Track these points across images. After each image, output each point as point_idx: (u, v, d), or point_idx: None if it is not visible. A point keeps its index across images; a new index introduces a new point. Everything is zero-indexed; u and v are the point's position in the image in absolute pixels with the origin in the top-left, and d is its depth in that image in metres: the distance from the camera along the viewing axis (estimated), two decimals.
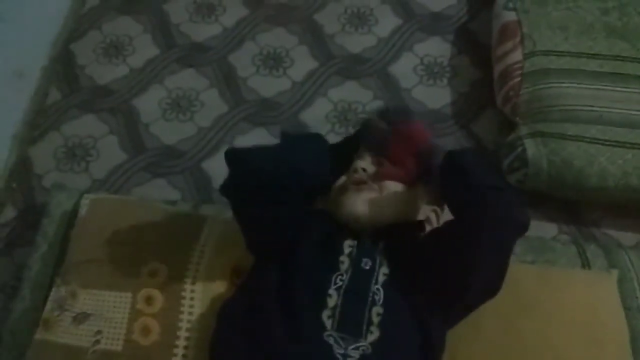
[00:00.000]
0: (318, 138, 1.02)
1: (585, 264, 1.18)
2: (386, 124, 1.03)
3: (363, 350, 0.84)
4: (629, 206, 1.38)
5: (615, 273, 1.12)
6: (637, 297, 1.12)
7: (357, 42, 1.69)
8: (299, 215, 0.95)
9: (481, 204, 0.86)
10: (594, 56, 1.43)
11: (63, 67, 1.65)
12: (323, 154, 0.98)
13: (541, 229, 1.36)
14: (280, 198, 0.90)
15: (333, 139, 1.10)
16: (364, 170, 0.99)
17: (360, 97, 1.60)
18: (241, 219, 0.97)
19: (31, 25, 1.58)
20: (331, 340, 0.84)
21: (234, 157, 0.94)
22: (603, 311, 1.05)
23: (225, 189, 0.94)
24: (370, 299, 0.89)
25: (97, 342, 0.97)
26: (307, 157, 0.94)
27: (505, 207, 0.87)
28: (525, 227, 0.89)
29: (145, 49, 1.67)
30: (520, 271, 1.07)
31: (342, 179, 1.02)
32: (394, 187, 0.98)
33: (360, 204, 0.97)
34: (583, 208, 1.41)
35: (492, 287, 0.91)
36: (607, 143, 1.31)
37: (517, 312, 1.03)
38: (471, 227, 0.86)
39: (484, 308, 0.95)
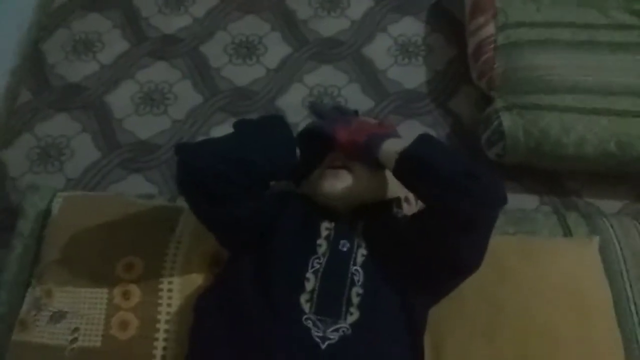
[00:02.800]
0: (275, 124, 0.95)
1: (567, 233, 1.17)
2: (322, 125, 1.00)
3: (343, 331, 0.83)
4: (608, 173, 1.38)
5: (596, 239, 1.12)
6: (619, 263, 1.12)
7: (330, 26, 1.67)
8: (262, 208, 0.92)
9: (456, 198, 0.81)
10: (566, 25, 1.42)
11: (32, 66, 1.62)
12: (279, 141, 0.92)
13: (522, 201, 1.36)
14: (233, 195, 0.86)
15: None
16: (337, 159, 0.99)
17: (336, 81, 1.58)
18: (201, 221, 0.94)
19: None
20: (309, 324, 0.83)
21: (181, 153, 0.89)
22: (585, 278, 1.05)
23: (178, 189, 0.90)
24: (349, 280, 0.88)
25: (75, 339, 0.95)
26: (261, 147, 0.89)
27: (482, 193, 0.83)
28: (504, 200, 0.86)
29: (115, 44, 1.64)
30: (501, 243, 1.07)
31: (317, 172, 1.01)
32: (364, 167, 0.97)
33: (338, 183, 0.96)
34: (563, 178, 1.40)
35: (474, 264, 0.90)
36: (583, 111, 1.30)
37: (499, 284, 1.03)
38: (452, 220, 0.83)
39: (465, 283, 0.94)
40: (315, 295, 0.86)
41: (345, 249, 0.91)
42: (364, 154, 0.94)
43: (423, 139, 0.90)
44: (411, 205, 1.04)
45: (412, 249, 0.90)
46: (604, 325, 1.01)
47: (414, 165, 0.87)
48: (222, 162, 0.85)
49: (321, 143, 1.00)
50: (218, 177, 0.84)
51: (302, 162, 0.97)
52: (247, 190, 0.87)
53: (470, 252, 0.89)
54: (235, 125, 0.94)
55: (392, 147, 0.91)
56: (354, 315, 0.85)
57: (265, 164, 0.87)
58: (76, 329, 0.96)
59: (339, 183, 0.96)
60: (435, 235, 0.86)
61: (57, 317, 0.98)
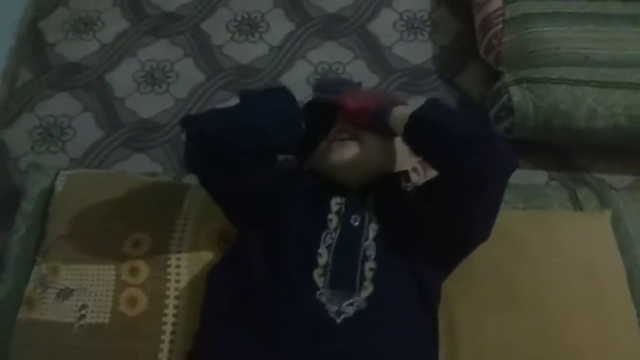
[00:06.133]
0: (280, 94, 0.93)
1: (578, 208, 1.16)
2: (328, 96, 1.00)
3: (358, 305, 0.82)
4: (618, 148, 1.36)
5: (608, 212, 1.10)
6: (630, 236, 1.10)
7: (334, 1, 1.64)
8: (274, 180, 0.91)
9: (466, 159, 0.80)
10: None
11: (32, 46, 1.59)
12: (286, 110, 0.90)
13: (531, 177, 1.35)
14: (245, 164, 0.85)
15: None
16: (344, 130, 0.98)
17: (341, 58, 1.56)
18: (212, 194, 0.92)
19: None
20: (323, 299, 0.82)
21: (189, 124, 0.87)
22: (598, 250, 1.04)
23: (188, 163, 0.88)
24: (361, 254, 0.87)
25: (83, 316, 0.94)
26: (267, 116, 0.86)
27: (492, 155, 0.82)
28: (514, 166, 0.85)
29: (115, 23, 1.62)
30: (512, 217, 1.06)
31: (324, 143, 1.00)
32: (372, 137, 0.96)
33: (346, 152, 0.95)
34: (573, 154, 1.39)
35: (483, 231, 0.89)
36: (594, 84, 1.28)
37: (510, 258, 1.02)
38: (462, 183, 0.82)
39: (477, 258, 0.94)
40: (328, 270, 0.85)
41: (356, 224, 0.90)
42: (373, 120, 0.93)
43: (433, 101, 0.90)
44: (420, 176, 1.03)
45: (421, 219, 0.89)
46: (618, 297, 1.00)
47: (424, 127, 0.86)
48: (231, 131, 0.83)
49: (328, 113, 0.98)
50: (228, 145, 0.83)
51: (308, 134, 0.96)
52: (257, 159, 0.86)
53: (479, 218, 0.87)
54: (240, 95, 0.93)
55: (402, 111, 0.90)
56: (368, 289, 0.84)
57: (274, 132, 0.86)
58: (84, 306, 0.95)
59: (346, 152, 0.95)
60: (445, 201, 0.85)
61: (64, 294, 0.96)
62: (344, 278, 0.85)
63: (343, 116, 0.97)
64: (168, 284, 0.96)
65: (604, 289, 1.00)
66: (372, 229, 0.90)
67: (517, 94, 1.30)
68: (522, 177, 1.28)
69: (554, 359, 0.94)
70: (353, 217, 0.91)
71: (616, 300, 0.99)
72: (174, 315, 0.94)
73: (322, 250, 0.86)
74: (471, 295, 0.99)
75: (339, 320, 0.80)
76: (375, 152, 0.96)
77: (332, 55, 1.56)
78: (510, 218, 1.03)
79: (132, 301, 0.94)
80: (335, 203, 0.92)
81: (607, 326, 0.96)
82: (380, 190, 0.96)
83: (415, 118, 0.87)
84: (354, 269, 0.86)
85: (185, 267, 0.98)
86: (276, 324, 0.81)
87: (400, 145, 1.00)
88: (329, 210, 0.91)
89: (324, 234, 0.88)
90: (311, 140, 1.00)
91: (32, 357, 0.95)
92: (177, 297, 0.95)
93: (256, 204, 0.91)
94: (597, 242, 1.06)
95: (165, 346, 0.92)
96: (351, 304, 0.82)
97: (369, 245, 0.88)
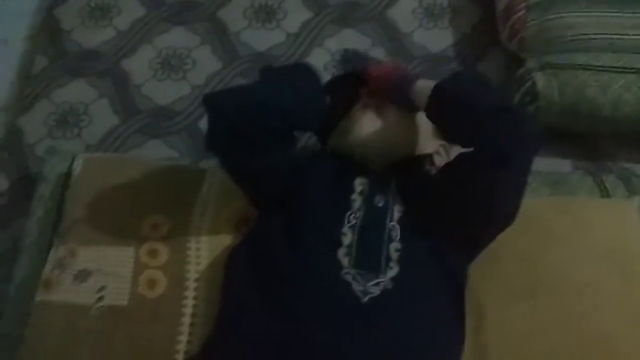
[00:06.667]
0: (302, 70, 0.93)
1: (605, 195, 1.13)
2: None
3: (384, 285, 0.81)
4: None
5: (636, 200, 1.08)
6: None
7: None
8: (296, 159, 0.90)
9: (490, 128, 0.80)
10: None
11: (48, 33, 1.58)
12: (308, 86, 0.90)
13: (555, 165, 1.32)
14: (267, 141, 0.84)
15: None
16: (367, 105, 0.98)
17: (359, 45, 1.53)
18: (234, 175, 0.92)
19: None
20: (349, 278, 0.81)
21: (211, 101, 0.87)
22: (627, 236, 1.01)
23: (209, 141, 0.87)
24: (386, 235, 0.86)
25: (101, 298, 0.93)
26: (289, 92, 0.86)
27: (517, 126, 0.81)
28: (539, 140, 0.84)
29: (131, 10, 1.60)
30: (539, 204, 1.03)
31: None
32: (394, 111, 0.95)
33: (367, 125, 0.94)
34: (597, 142, 1.36)
35: (509, 209, 0.87)
36: (621, 70, 1.25)
37: (538, 245, 0.99)
38: (486, 156, 0.81)
39: (503, 243, 0.91)
40: (353, 250, 0.83)
41: (380, 205, 0.89)
42: (396, 90, 0.92)
43: (457, 74, 0.90)
44: (443, 159, 1.01)
45: (446, 200, 0.87)
46: None
47: (449, 97, 0.85)
48: (253, 107, 0.82)
49: (351, 88, 0.97)
50: (250, 121, 0.82)
51: (330, 111, 0.95)
52: (279, 136, 0.85)
53: (505, 195, 0.84)
54: (261, 73, 0.91)
55: (425, 84, 0.90)
56: (393, 270, 0.82)
57: (296, 107, 0.85)
58: (102, 288, 0.94)
59: (368, 124, 0.94)
60: (470, 178, 0.83)
61: (82, 275, 0.95)
62: (369, 258, 0.83)
63: (366, 88, 0.95)
64: (188, 267, 0.95)
65: (632, 275, 0.97)
66: (397, 211, 0.88)
67: (541, 80, 1.27)
68: (545, 165, 1.25)
69: (582, 346, 0.92)
70: (377, 197, 0.89)
71: None
72: (194, 298, 0.93)
73: (346, 229, 0.85)
74: (498, 281, 0.96)
75: (365, 299, 0.79)
76: (397, 126, 0.95)
77: (350, 43, 1.53)
78: (537, 205, 1.01)
79: (152, 283, 0.93)
80: (359, 183, 0.91)
81: (634, 313, 0.94)
82: (403, 172, 0.95)
83: (439, 87, 0.86)
84: (379, 250, 0.84)
85: (205, 249, 0.96)
86: (300, 303, 0.80)
87: (423, 126, 0.98)
88: (352, 191, 0.90)
89: (348, 213, 0.87)
90: (332, 121, 0.99)
91: (50, 339, 0.93)
92: (197, 280, 0.94)
93: (277, 183, 0.90)
94: (625, 229, 1.03)
95: (185, 328, 0.91)
96: (377, 284, 0.81)
97: (394, 227, 0.87)
